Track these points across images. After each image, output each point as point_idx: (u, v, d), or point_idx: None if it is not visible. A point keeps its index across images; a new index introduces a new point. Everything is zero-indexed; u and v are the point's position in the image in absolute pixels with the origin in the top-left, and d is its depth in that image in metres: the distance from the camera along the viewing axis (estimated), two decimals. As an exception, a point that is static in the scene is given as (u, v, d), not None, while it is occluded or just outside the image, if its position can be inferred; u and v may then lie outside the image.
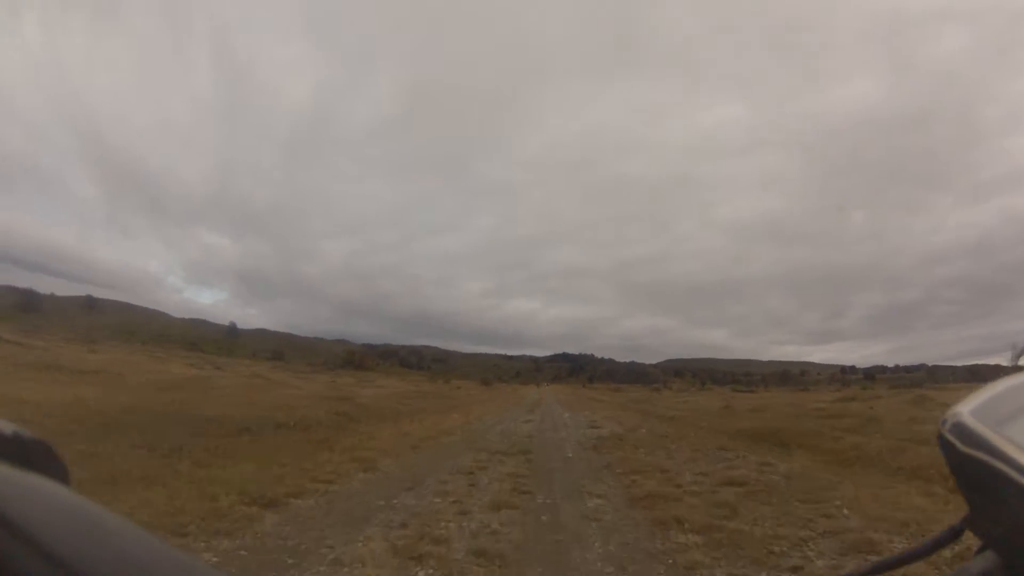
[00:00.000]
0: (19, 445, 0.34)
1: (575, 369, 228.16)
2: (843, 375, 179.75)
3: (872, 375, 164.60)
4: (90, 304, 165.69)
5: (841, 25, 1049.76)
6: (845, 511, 4.73)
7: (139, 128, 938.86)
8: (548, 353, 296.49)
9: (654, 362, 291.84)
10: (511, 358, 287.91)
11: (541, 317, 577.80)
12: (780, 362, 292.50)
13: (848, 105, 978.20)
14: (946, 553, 2.57)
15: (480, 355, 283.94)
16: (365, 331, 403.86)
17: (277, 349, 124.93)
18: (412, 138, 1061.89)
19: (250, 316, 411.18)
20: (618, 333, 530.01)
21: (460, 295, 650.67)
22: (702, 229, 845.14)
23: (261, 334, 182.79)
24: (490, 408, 21.87)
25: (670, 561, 3.61)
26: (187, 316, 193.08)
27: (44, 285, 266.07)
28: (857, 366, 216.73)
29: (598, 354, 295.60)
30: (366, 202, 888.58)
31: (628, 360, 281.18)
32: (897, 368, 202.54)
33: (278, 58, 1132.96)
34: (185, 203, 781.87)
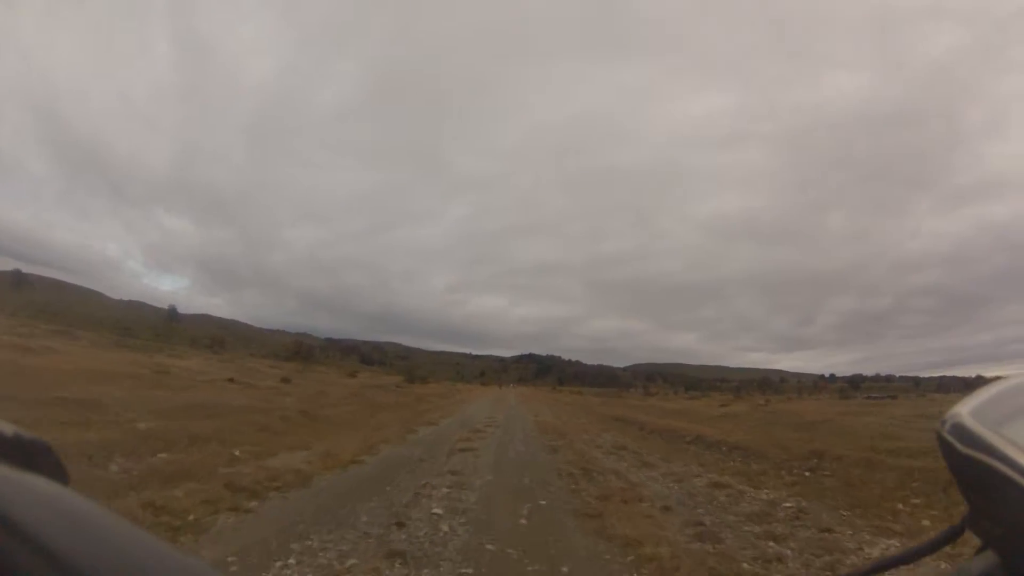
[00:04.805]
0: (19, 445, 0.33)
1: (542, 370, 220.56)
2: (824, 383, 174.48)
3: (856, 383, 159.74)
4: (17, 279, 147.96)
5: (831, 17, 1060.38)
6: None
7: (96, 106, 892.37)
8: (514, 353, 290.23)
9: (623, 365, 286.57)
10: (476, 357, 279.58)
11: (508, 315, 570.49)
12: (751, 369, 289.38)
13: (832, 100, 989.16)
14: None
15: (445, 353, 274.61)
16: (330, 326, 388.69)
17: (218, 337, 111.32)
18: (382, 124, 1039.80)
19: (214, 306, 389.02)
20: (586, 334, 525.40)
21: (427, 290, 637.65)
22: (678, 225, 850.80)
23: (204, 320, 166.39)
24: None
25: None
26: (124, 298, 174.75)
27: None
28: (836, 374, 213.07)
29: (565, 355, 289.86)
30: (333, 190, 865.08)
31: (596, 363, 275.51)
32: (878, 377, 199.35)
33: (241, 37, 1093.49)
34: (144, 185, 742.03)
